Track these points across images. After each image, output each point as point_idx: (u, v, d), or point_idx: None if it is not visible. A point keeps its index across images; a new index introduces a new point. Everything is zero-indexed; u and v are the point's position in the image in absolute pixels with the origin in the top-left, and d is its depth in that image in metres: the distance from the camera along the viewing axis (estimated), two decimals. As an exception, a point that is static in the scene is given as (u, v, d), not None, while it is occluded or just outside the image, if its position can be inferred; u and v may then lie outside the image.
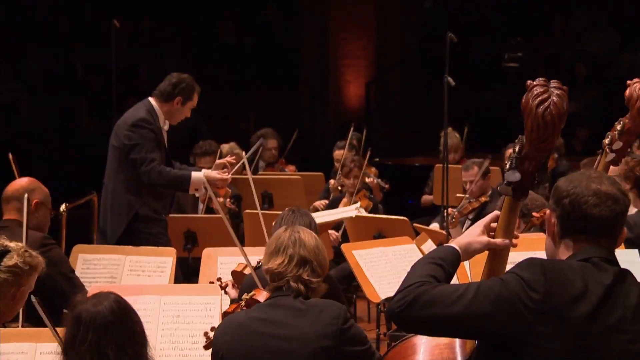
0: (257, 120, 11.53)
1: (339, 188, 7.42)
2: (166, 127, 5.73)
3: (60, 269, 4.44)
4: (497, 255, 2.60)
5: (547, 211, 2.51)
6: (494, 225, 2.58)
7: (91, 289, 4.01)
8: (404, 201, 10.15)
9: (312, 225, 4.20)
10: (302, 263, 3.35)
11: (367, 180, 8.23)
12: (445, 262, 2.52)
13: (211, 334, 3.52)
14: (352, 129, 8.54)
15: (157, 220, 5.71)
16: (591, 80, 12.37)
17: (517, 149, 2.46)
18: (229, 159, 5.87)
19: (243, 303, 3.46)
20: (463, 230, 6.79)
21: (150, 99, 5.70)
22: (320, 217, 5.55)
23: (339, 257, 6.01)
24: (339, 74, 12.82)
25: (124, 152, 5.61)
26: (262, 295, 3.42)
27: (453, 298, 2.37)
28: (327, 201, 7.75)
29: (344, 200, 7.25)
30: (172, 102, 5.64)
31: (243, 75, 13.12)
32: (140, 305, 3.77)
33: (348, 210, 5.67)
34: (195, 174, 5.62)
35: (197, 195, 5.74)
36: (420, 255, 5.21)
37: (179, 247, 6.33)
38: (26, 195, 4.28)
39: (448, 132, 8.31)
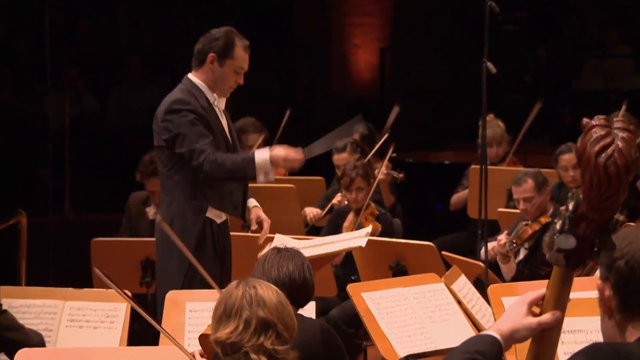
0: (237, 96, 11.55)
1: (346, 203, 7.46)
2: (220, 105, 5.73)
3: None
4: (545, 336, 2.64)
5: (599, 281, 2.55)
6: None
7: (17, 356, 4.07)
8: (430, 207, 10.22)
9: (304, 267, 4.25)
10: (262, 328, 3.34)
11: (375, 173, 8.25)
12: (485, 358, 2.53)
13: None
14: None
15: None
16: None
17: (571, 207, 2.49)
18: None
19: None
20: (515, 261, 6.81)
21: (190, 74, 5.72)
22: (317, 247, 5.60)
23: (343, 292, 6.07)
24: (344, 36, 12.85)
25: (169, 149, 5.64)
26: None
27: None
28: (320, 211, 7.79)
29: (349, 217, 7.28)
30: (206, 63, 5.68)
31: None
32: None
33: (355, 238, 5.70)
34: (259, 154, 5.62)
35: (268, 179, 5.74)
36: (451, 298, 5.27)
37: (134, 281, 6.43)
38: None
39: (489, 120, 8.36)
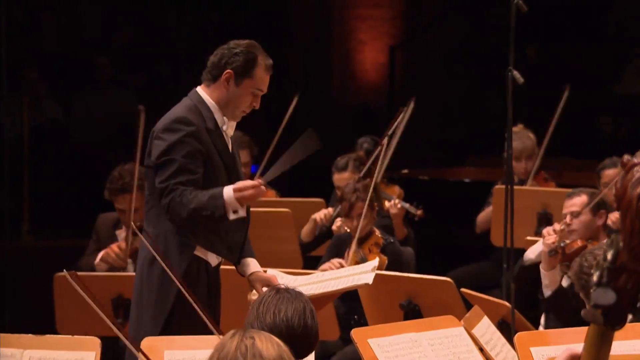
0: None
1: (347, 230, 7.47)
2: (227, 129, 5.70)
3: None
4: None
5: None
6: None
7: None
8: (448, 233, 10.24)
9: (306, 312, 4.26)
10: None
11: (386, 205, 8.25)
12: None
13: None
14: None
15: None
16: None
17: (609, 256, 2.50)
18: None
19: None
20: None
21: (199, 87, 5.72)
22: (316, 284, 5.63)
23: (346, 334, 6.09)
24: (347, 31, 12.88)
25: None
26: None
27: None
28: (331, 210, 7.88)
29: (351, 246, 7.30)
30: (220, 80, 5.66)
31: (203, 32, 13.16)
32: None
33: (360, 273, 5.73)
34: (226, 190, 5.53)
35: (238, 215, 5.70)
36: (471, 345, 5.27)
37: (104, 321, 6.45)
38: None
39: (518, 131, 8.37)
